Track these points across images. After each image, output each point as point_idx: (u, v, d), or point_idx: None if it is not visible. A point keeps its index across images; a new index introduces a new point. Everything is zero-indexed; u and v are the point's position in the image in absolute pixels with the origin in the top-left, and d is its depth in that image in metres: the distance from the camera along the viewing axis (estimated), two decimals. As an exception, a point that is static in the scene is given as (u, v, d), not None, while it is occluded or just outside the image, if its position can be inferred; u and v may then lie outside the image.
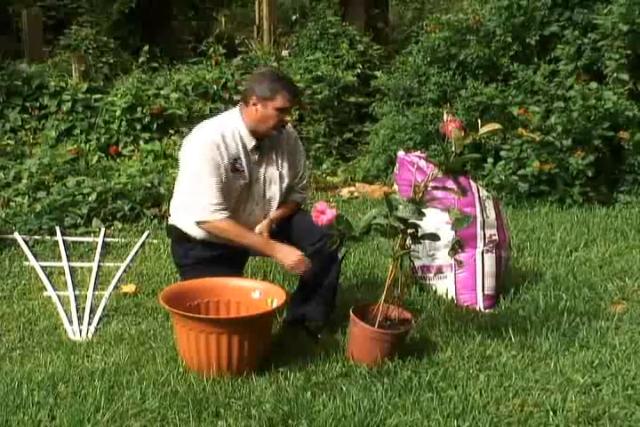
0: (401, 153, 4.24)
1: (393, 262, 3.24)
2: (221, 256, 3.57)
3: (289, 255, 3.43)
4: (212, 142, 3.42)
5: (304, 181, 3.79)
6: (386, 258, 4.65)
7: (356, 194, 6.54)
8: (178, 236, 3.65)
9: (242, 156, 3.49)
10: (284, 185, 3.63)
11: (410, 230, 3.17)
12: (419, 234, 3.22)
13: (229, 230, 3.45)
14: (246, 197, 3.55)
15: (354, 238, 3.18)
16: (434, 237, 3.32)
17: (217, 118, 3.62)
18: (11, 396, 3.00)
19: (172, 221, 3.69)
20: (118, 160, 6.86)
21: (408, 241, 3.21)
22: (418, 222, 3.16)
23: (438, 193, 3.95)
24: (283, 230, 3.58)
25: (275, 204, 3.62)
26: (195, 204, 3.46)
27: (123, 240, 5.18)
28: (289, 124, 3.64)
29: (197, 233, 3.54)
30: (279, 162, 3.62)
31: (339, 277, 3.66)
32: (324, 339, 3.51)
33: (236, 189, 3.49)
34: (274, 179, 3.60)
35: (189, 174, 3.49)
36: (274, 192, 3.61)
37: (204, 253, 3.58)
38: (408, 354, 3.32)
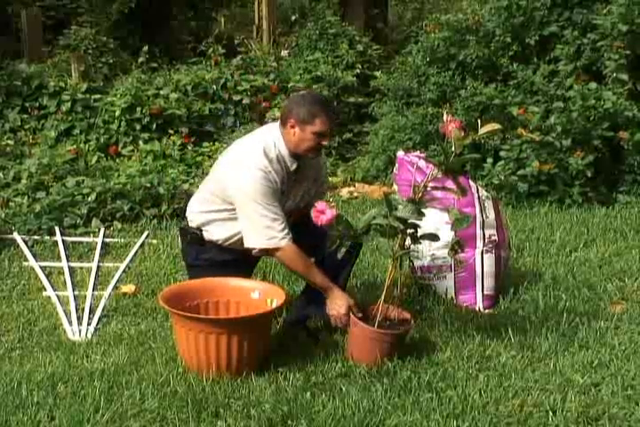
0: (400, 153, 4.23)
1: (392, 263, 3.24)
2: (234, 260, 3.55)
3: (337, 304, 3.37)
4: (264, 168, 3.34)
5: (324, 186, 3.82)
6: (385, 258, 4.65)
7: (355, 194, 6.54)
8: (193, 239, 3.60)
9: (285, 178, 3.44)
10: (311, 197, 3.64)
11: (409, 230, 3.17)
12: (418, 234, 3.21)
13: (298, 261, 3.38)
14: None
15: (354, 238, 3.18)
16: (433, 237, 3.31)
17: (258, 139, 3.50)
18: (10, 396, 3.00)
19: (191, 223, 3.61)
20: (118, 160, 6.87)
21: (407, 241, 3.21)
22: (417, 222, 3.16)
23: (438, 193, 3.96)
24: (300, 233, 3.55)
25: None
26: (261, 231, 3.34)
27: (122, 240, 5.18)
28: None
29: (223, 241, 3.52)
30: (310, 178, 3.61)
31: (348, 281, 3.67)
32: (323, 339, 3.51)
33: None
34: (304, 194, 3.60)
35: (250, 202, 3.33)
36: (302, 205, 3.61)
37: (217, 257, 3.56)
38: (407, 354, 3.32)
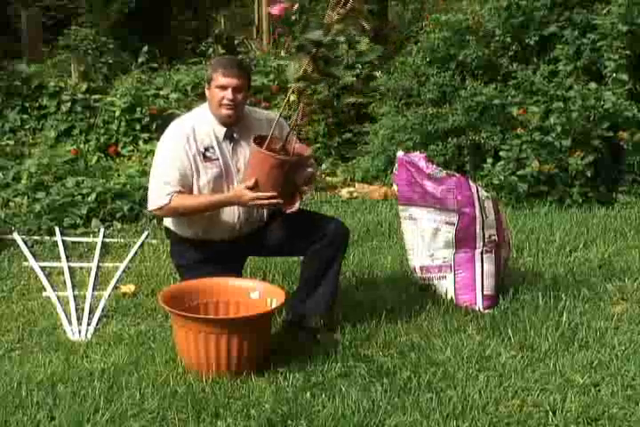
0: (400, 153, 4.23)
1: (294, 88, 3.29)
2: (219, 256, 3.56)
3: (242, 195, 3.36)
4: (180, 134, 3.49)
5: None
6: (385, 257, 4.65)
7: (355, 194, 6.54)
8: (174, 236, 3.67)
9: (214, 145, 3.50)
10: None
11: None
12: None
13: (184, 203, 3.44)
14: (231, 187, 3.52)
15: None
16: None
17: (192, 111, 3.71)
18: (10, 396, 3.00)
19: (165, 222, 3.74)
20: (117, 160, 6.87)
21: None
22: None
23: (437, 193, 3.96)
24: (282, 228, 3.56)
25: None
26: (151, 191, 3.49)
27: (122, 240, 5.17)
28: (278, 115, 3.61)
29: (184, 231, 3.57)
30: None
31: (338, 276, 3.66)
32: (323, 339, 3.51)
33: (212, 178, 3.48)
34: None
35: (153, 166, 3.54)
36: None
37: (201, 255, 3.58)
38: (407, 354, 3.32)
